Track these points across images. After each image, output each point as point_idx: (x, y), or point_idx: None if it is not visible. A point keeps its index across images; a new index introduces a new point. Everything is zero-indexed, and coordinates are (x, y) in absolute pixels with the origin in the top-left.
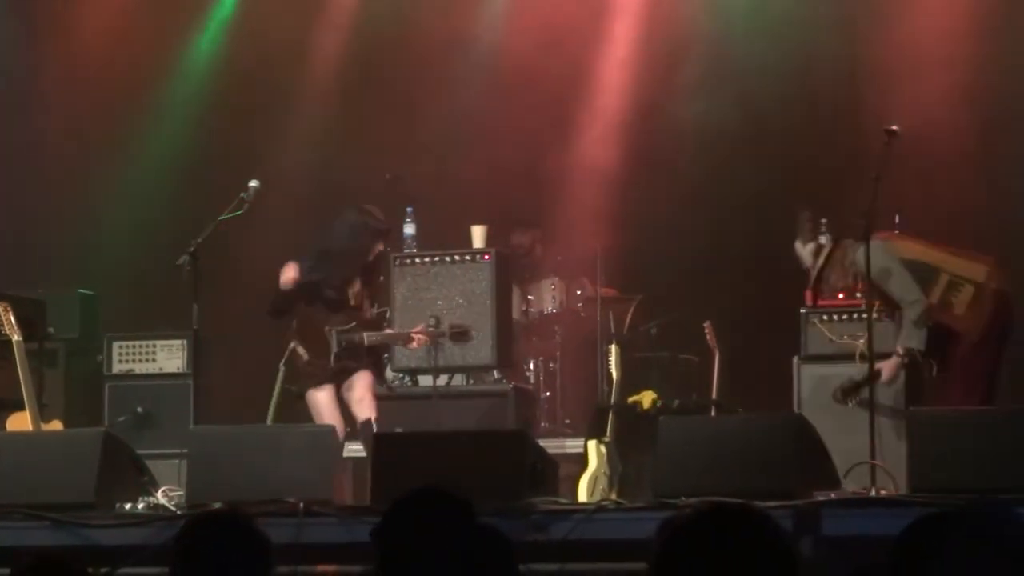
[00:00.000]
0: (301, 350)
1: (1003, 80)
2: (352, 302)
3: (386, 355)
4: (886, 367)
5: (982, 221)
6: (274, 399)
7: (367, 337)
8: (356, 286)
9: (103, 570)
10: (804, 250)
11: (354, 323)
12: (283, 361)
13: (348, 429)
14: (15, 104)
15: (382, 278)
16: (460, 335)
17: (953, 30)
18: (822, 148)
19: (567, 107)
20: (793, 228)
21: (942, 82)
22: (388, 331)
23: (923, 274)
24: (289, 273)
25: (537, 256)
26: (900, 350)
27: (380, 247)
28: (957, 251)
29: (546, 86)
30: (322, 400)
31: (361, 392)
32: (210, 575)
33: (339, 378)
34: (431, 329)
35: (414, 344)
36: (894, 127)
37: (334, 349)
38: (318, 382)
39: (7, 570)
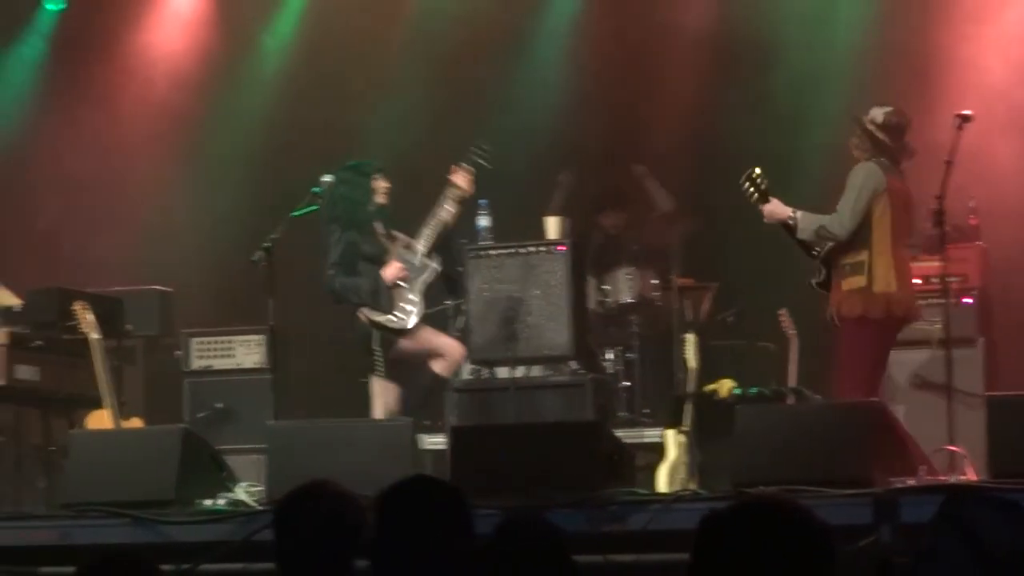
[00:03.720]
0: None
1: None
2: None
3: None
4: (774, 205)
5: None
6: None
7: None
8: (380, 228)
9: (183, 567)
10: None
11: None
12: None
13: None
14: (88, 101)
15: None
16: None
17: None
18: None
19: (641, 96)
20: None
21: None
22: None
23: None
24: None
25: (624, 239)
26: (796, 216)
27: (384, 183)
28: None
29: (625, 74)
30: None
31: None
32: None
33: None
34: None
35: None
36: (967, 112)
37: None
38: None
39: None
